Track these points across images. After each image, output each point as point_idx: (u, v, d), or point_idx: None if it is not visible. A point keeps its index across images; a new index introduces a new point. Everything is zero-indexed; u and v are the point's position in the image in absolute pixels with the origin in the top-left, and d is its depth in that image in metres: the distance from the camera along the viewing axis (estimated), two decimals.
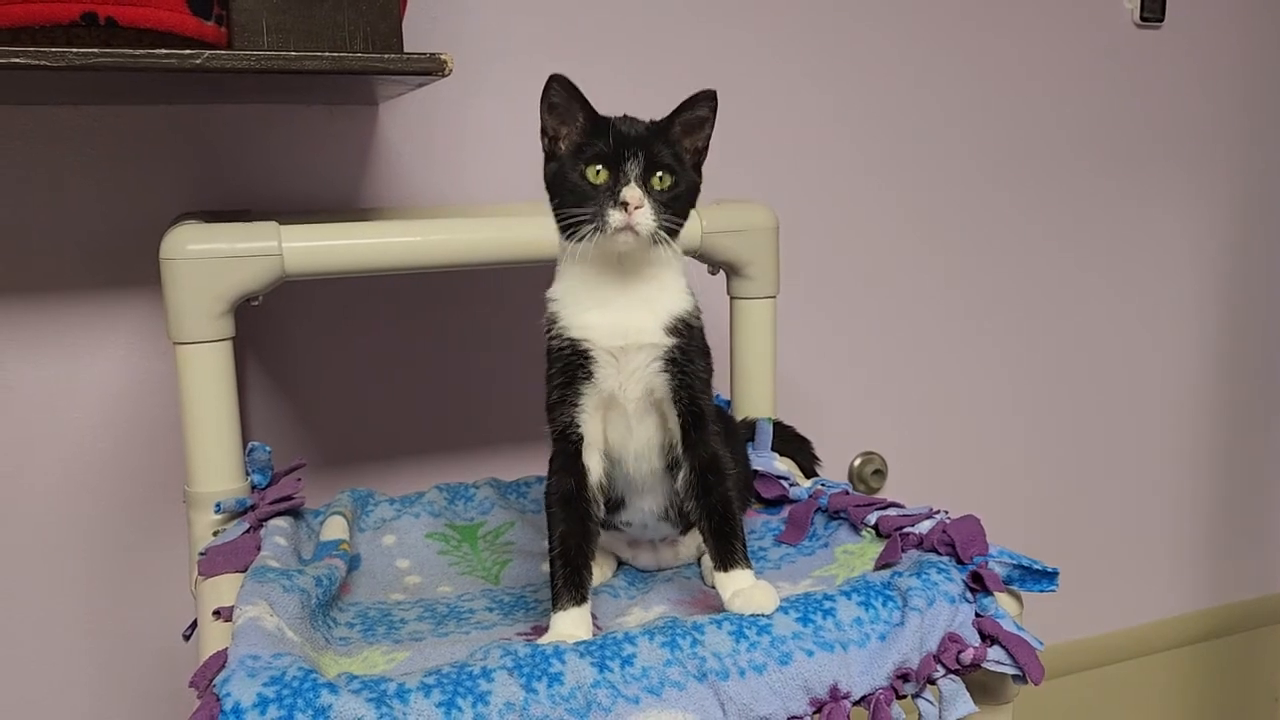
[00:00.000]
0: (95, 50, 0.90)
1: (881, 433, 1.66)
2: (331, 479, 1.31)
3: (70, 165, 1.18)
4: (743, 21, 1.45)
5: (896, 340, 1.64)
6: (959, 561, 0.82)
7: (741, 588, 0.78)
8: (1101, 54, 1.69)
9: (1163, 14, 1.72)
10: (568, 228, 0.80)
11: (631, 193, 0.76)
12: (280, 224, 0.95)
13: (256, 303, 0.95)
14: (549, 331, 0.83)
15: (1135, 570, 1.91)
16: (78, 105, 1.19)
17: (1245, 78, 1.81)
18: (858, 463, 1.65)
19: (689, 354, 0.82)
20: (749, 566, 0.80)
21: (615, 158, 0.77)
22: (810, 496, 1.02)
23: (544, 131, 0.81)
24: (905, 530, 0.88)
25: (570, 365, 0.81)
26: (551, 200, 0.82)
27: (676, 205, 0.80)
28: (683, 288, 0.84)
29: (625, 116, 0.81)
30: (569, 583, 0.79)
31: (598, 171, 0.78)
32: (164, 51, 0.93)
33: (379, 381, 1.33)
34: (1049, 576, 0.81)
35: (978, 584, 0.79)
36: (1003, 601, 0.80)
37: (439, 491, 1.07)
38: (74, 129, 1.18)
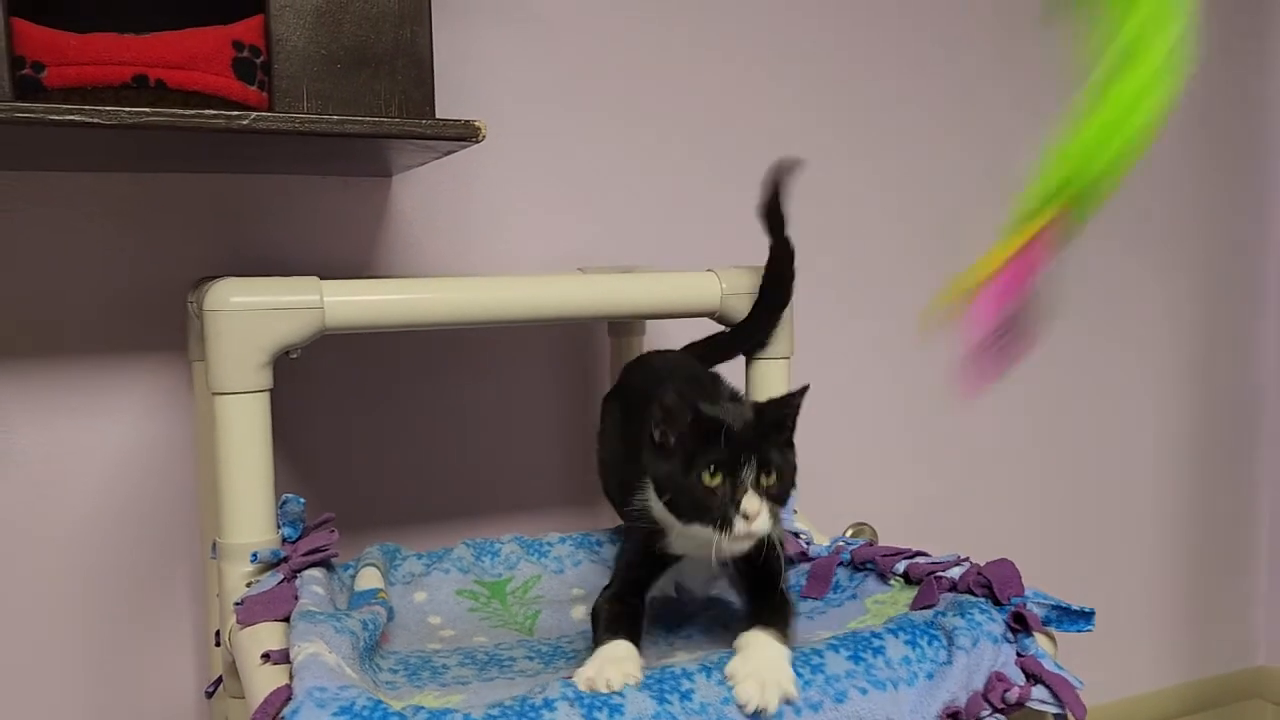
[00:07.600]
0: (148, 110, 0.93)
1: (872, 504, 1.69)
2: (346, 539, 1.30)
3: (87, 230, 1.19)
4: (772, 79, 1.51)
5: (887, 410, 1.68)
6: (995, 603, 0.84)
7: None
8: None
9: None
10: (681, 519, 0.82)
11: (751, 503, 0.78)
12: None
13: (295, 355, 0.97)
14: (640, 519, 0.86)
15: (1113, 645, 1.93)
16: (98, 173, 1.20)
17: None
18: (849, 534, 1.67)
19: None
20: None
21: (731, 464, 0.79)
22: (832, 551, 1.04)
23: (655, 427, 0.83)
24: (938, 575, 0.90)
25: (653, 559, 0.88)
26: (660, 495, 0.83)
27: (782, 497, 0.82)
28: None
29: (733, 402, 0.86)
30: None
31: (713, 474, 0.79)
32: (213, 112, 0.95)
33: (394, 444, 1.34)
34: (1085, 617, 0.83)
35: (1019, 624, 0.82)
36: (1040, 642, 0.82)
37: (466, 547, 1.08)
38: (91, 195, 1.20)
